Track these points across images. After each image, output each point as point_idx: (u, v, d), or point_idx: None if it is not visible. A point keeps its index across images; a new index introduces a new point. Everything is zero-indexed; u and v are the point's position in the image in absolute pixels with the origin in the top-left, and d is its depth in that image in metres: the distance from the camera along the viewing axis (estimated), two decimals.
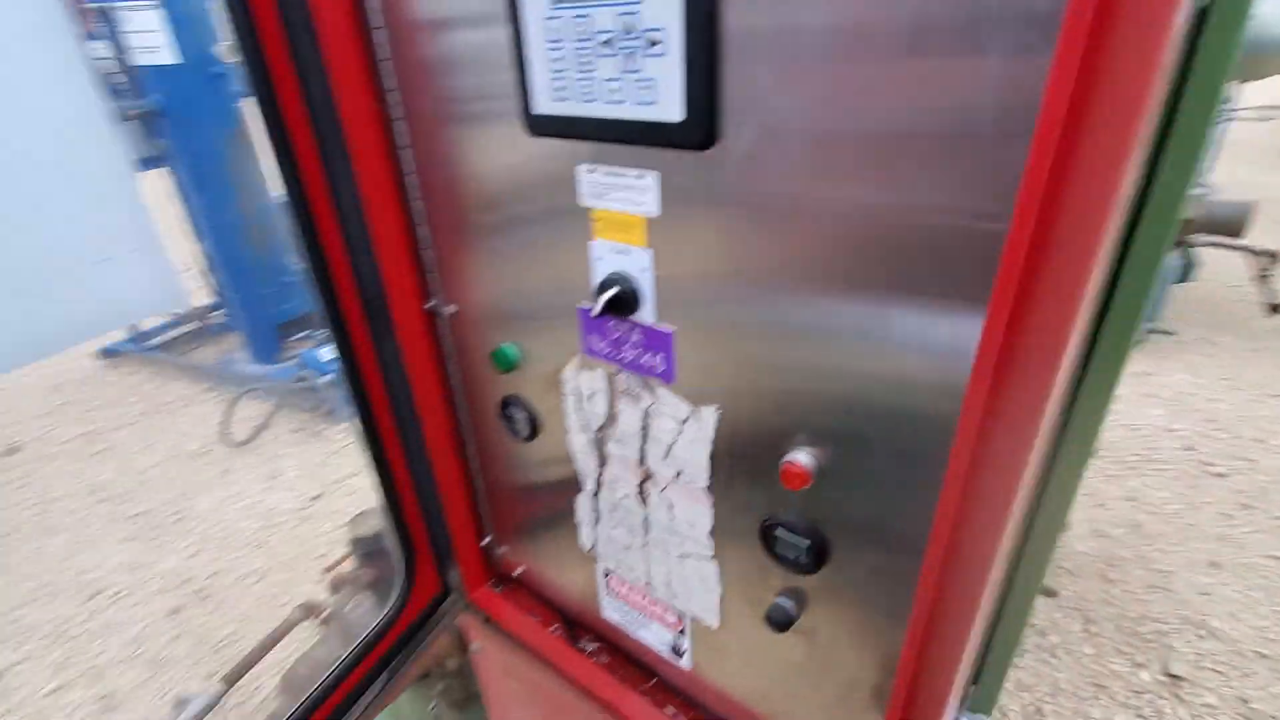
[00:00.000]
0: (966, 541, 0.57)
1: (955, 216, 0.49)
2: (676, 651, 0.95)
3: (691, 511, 0.79)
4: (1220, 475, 2.92)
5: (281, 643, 2.14)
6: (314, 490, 3.16)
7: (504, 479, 1.08)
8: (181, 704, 1.93)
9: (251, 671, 2.09)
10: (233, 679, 2.00)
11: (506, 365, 0.89)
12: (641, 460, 0.81)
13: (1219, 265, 4.62)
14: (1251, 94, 8.36)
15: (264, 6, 0.71)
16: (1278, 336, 3.92)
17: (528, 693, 1.25)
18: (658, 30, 0.55)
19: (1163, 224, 0.67)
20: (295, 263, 4.17)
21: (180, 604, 2.60)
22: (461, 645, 1.36)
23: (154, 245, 0.76)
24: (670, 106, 0.57)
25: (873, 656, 0.74)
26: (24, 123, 0.66)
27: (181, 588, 2.68)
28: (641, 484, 0.84)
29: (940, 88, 0.45)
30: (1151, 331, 3.83)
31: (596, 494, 0.91)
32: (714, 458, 0.73)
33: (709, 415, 0.71)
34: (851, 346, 0.58)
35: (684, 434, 0.74)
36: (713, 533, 0.79)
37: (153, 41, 3.23)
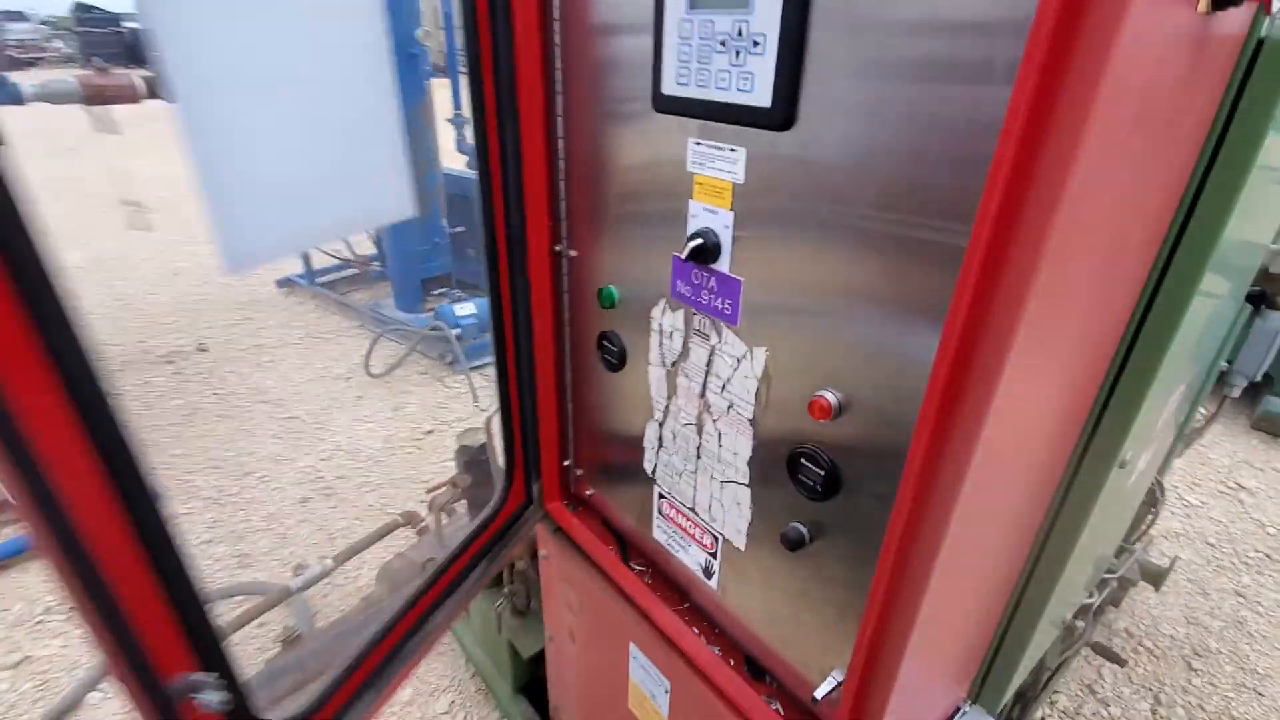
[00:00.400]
0: (929, 507, 0.68)
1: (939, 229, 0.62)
2: (707, 572, 1.10)
3: (736, 441, 0.94)
4: None
5: (383, 541, 2.48)
6: (428, 425, 3.55)
7: (590, 411, 1.27)
8: (300, 570, 2.30)
9: (357, 558, 2.44)
10: (341, 559, 2.35)
11: (609, 302, 1.08)
12: (703, 393, 0.97)
13: None
14: None
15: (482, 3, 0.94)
16: None
17: (580, 599, 1.43)
18: (761, 35, 0.71)
19: (1193, 263, 0.75)
20: (446, 227, 4.63)
21: (309, 495, 3.04)
22: (532, 552, 1.57)
23: (399, 164, 1.01)
24: (763, 94, 0.73)
25: (863, 591, 0.85)
26: (340, 60, 0.92)
27: (313, 483, 3.12)
28: (700, 415, 0.99)
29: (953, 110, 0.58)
30: None
31: (663, 422, 1.08)
32: (759, 393, 0.88)
33: (760, 355, 0.86)
34: (873, 307, 0.71)
35: (739, 370, 0.90)
36: (751, 461, 0.93)
37: None
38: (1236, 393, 1.44)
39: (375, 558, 2.47)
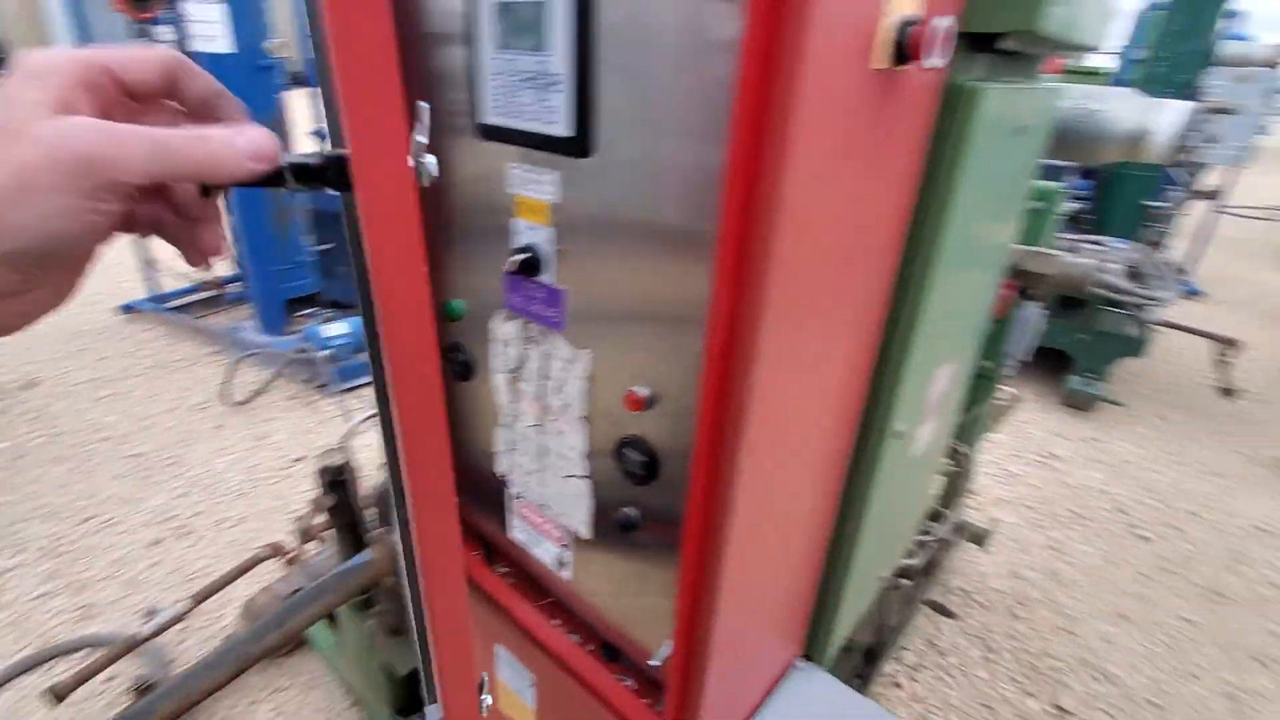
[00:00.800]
0: (718, 481, 0.79)
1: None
2: (561, 565, 1.17)
3: (574, 438, 1.02)
4: (1145, 539, 3.10)
5: (248, 576, 2.36)
6: (297, 453, 3.39)
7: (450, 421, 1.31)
8: (150, 614, 2.14)
9: (220, 597, 2.31)
10: (200, 598, 2.22)
11: (455, 315, 1.13)
12: (542, 396, 1.05)
13: (1187, 349, 4.83)
14: (1251, 192, 8.63)
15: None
16: (1229, 421, 4.11)
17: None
18: (559, 74, 0.80)
19: (920, 269, 0.91)
20: (309, 244, 4.44)
21: (162, 536, 2.82)
22: (396, 566, 1.58)
23: None
24: (566, 126, 0.82)
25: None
26: None
27: (166, 522, 2.90)
28: (541, 416, 1.07)
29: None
30: (1103, 400, 4.03)
31: (511, 426, 1.14)
32: (588, 392, 0.96)
33: (585, 356, 0.94)
34: (668, 309, 0.82)
35: (570, 372, 0.98)
36: (587, 455, 1.02)
37: (212, 31, 3.57)
38: (1010, 372, 1.70)
39: (240, 595, 2.34)
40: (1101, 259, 3.83)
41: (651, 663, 0.97)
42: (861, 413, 1.05)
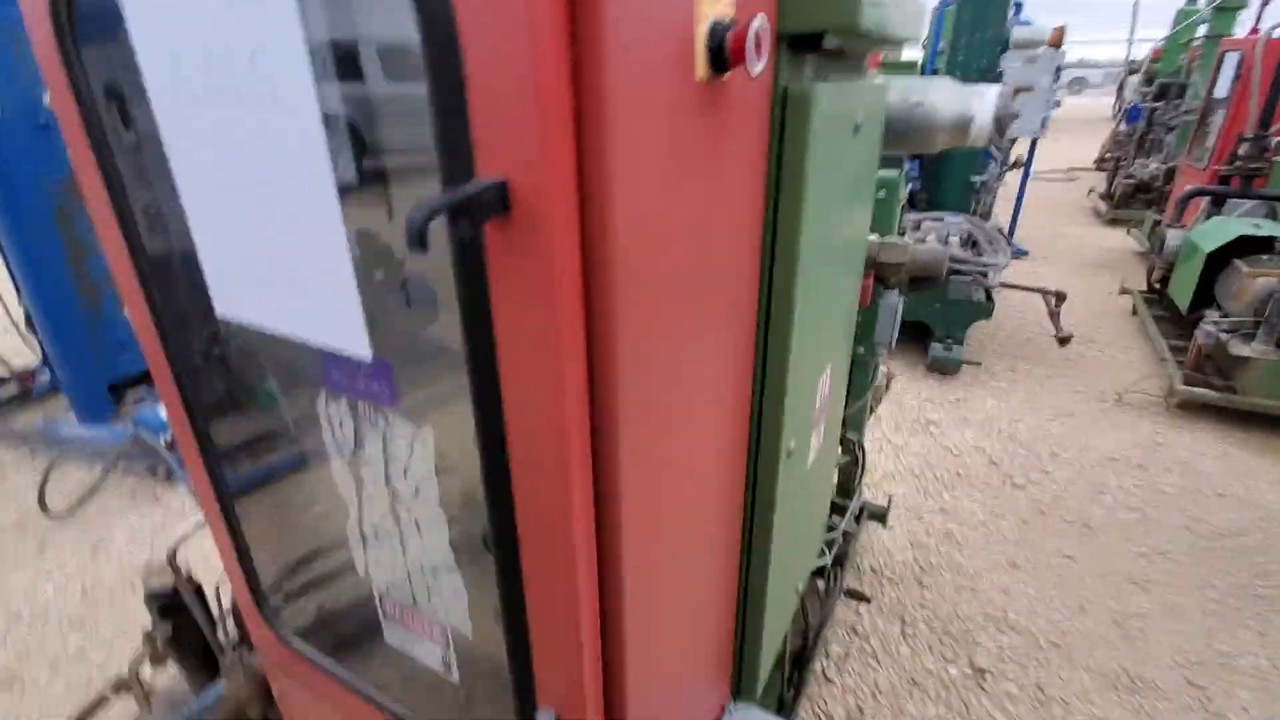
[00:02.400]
0: (603, 529, 0.69)
1: None
2: (447, 665, 1.02)
3: (433, 525, 0.88)
4: (1019, 486, 3.33)
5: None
6: (145, 557, 2.94)
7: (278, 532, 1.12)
8: None
9: None
10: None
11: (269, 402, 0.95)
12: (388, 480, 0.90)
13: (1024, 306, 5.32)
14: (1050, 158, 9.75)
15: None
16: (1068, 364, 4.55)
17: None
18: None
19: (785, 276, 0.85)
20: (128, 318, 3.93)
21: None
22: (266, 692, 1.35)
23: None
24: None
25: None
26: None
27: None
28: (393, 504, 0.92)
29: None
30: (963, 362, 4.34)
31: (360, 520, 0.98)
32: (439, 472, 0.83)
33: (427, 434, 0.81)
34: None
35: (414, 452, 0.84)
36: (453, 543, 0.88)
37: None
38: (882, 357, 1.73)
39: None
40: (942, 234, 4.12)
41: None
42: (751, 438, 0.98)
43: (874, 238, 1.48)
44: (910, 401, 4.15)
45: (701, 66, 0.60)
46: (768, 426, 0.97)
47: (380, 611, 1.06)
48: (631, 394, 0.62)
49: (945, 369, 4.43)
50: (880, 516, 2.78)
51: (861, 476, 2.30)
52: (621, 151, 0.51)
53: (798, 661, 2.03)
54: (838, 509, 2.26)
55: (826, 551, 1.77)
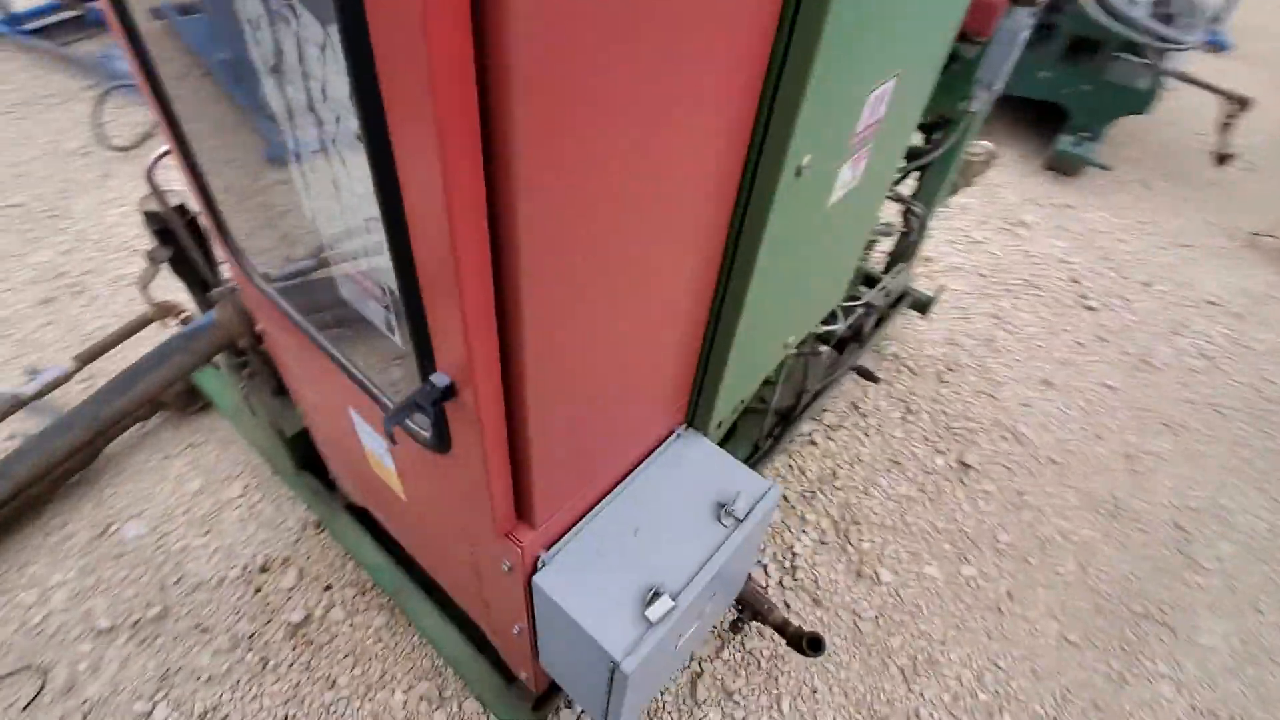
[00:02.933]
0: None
1: None
2: (390, 328, 0.99)
3: (360, 166, 0.76)
4: (1091, 309, 3.04)
5: (138, 338, 2.20)
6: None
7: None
8: (32, 374, 2.01)
9: (108, 357, 2.17)
10: (84, 360, 2.07)
11: None
12: (310, 104, 0.76)
13: (1192, 110, 4.40)
14: None
15: None
16: (1213, 189, 3.87)
17: (301, 367, 1.32)
18: None
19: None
20: None
21: (54, 295, 2.61)
22: (250, 326, 1.40)
23: None
24: None
25: None
26: None
27: (55, 280, 2.67)
28: (320, 135, 0.79)
29: None
30: (1089, 162, 3.72)
31: (299, 158, 0.87)
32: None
33: (335, 34, 0.64)
34: None
35: (326, 63, 0.68)
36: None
37: None
38: (975, 106, 1.40)
39: (129, 355, 2.20)
40: None
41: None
42: (753, 149, 0.78)
43: None
44: (1008, 197, 3.67)
45: None
46: (774, 133, 0.77)
47: (329, 264, 1.01)
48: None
49: (1066, 167, 3.82)
50: (922, 306, 2.60)
51: (915, 255, 2.08)
52: None
53: (784, 417, 2.04)
54: (870, 280, 2.08)
55: (841, 318, 1.64)
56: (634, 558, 1.04)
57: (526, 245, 0.61)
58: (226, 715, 1.62)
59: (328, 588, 1.84)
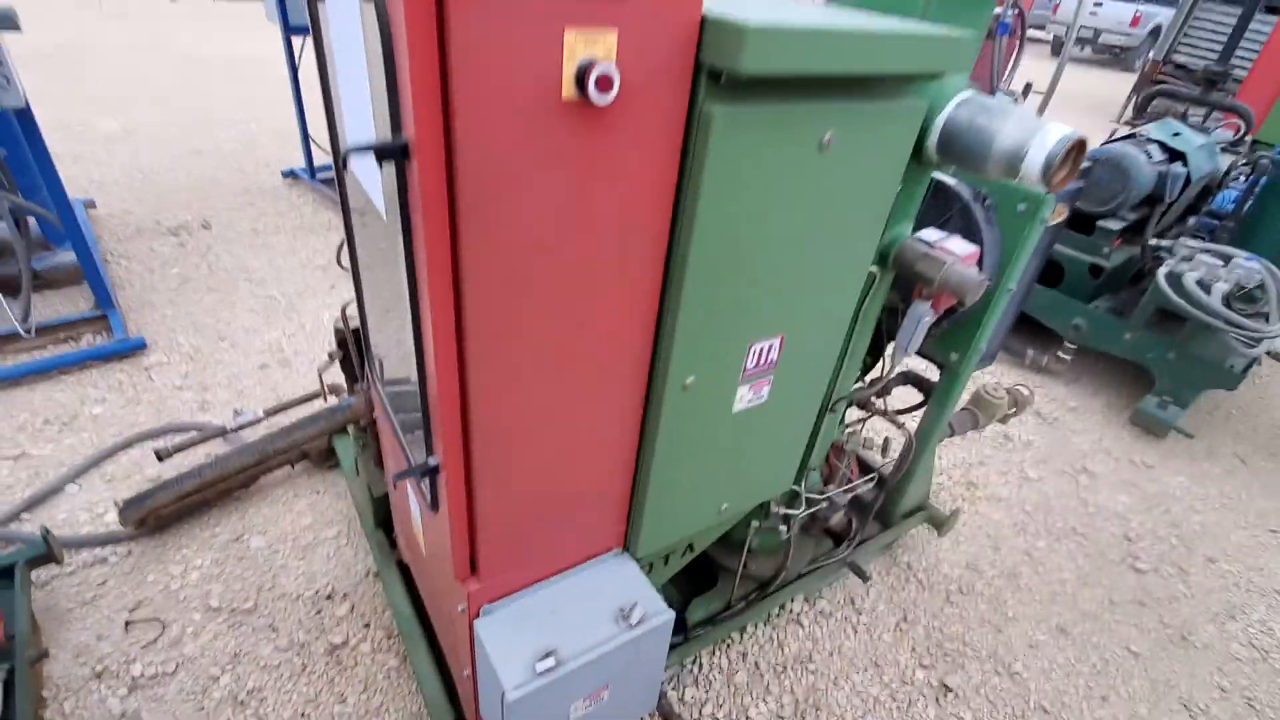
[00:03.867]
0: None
1: None
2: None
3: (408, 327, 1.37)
4: (1139, 570, 2.99)
5: (306, 405, 3.00)
6: None
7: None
8: (238, 414, 2.84)
9: (285, 415, 2.98)
10: (271, 412, 2.89)
11: None
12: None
13: None
14: None
15: None
16: None
17: (387, 440, 1.92)
18: None
19: (681, 255, 1.14)
20: None
21: (268, 363, 3.59)
22: (370, 411, 2.06)
23: None
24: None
25: None
26: None
27: (274, 353, 3.67)
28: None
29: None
30: (1173, 428, 3.72)
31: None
32: None
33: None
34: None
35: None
36: None
37: None
38: (898, 364, 1.81)
39: (298, 414, 3.01)
40: (1210, 277, 3.49)
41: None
42: (654, 366, 1.31)
43: (946, 247, 1.56)
44: (1080, 444, 3.75)
45: (569, 89, 0.90)
46: (661, 358, 1.28)
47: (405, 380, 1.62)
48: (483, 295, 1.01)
49: (1150, 427, 3.85)
50: (937, 523, 2.78)
51: (914, 474, 2.38)
52: (475, 132, 0.86)
53: (762, 586, 2.32)
54: (865, 468, 2.39)
55: (803, 505, 1.98)
56: (547, 628, 1.45)
57: (475, 396, 1.14)
58: (265, 698, 2.10)
59: (367, 625, 2.34)
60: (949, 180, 1.91)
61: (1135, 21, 15.82)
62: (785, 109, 1.08)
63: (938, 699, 2.37)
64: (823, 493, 2.07)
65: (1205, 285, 3.50)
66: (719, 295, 1.24)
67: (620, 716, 1.67)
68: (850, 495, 2.11)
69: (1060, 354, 4.16)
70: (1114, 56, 17.34)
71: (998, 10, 4.04)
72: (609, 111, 0.96)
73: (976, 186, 1.92)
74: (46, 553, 2.20)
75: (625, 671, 1.52)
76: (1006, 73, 4.54)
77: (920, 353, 2.55)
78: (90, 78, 7.93)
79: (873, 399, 2.42)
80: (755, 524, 2.02)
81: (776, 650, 2.44)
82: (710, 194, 1.09)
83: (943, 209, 1.93)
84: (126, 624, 2.26)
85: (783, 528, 2.01)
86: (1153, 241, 3.96)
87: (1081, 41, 16.72)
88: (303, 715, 2.07)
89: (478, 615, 1.47)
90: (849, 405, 2.38)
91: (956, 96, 1.32)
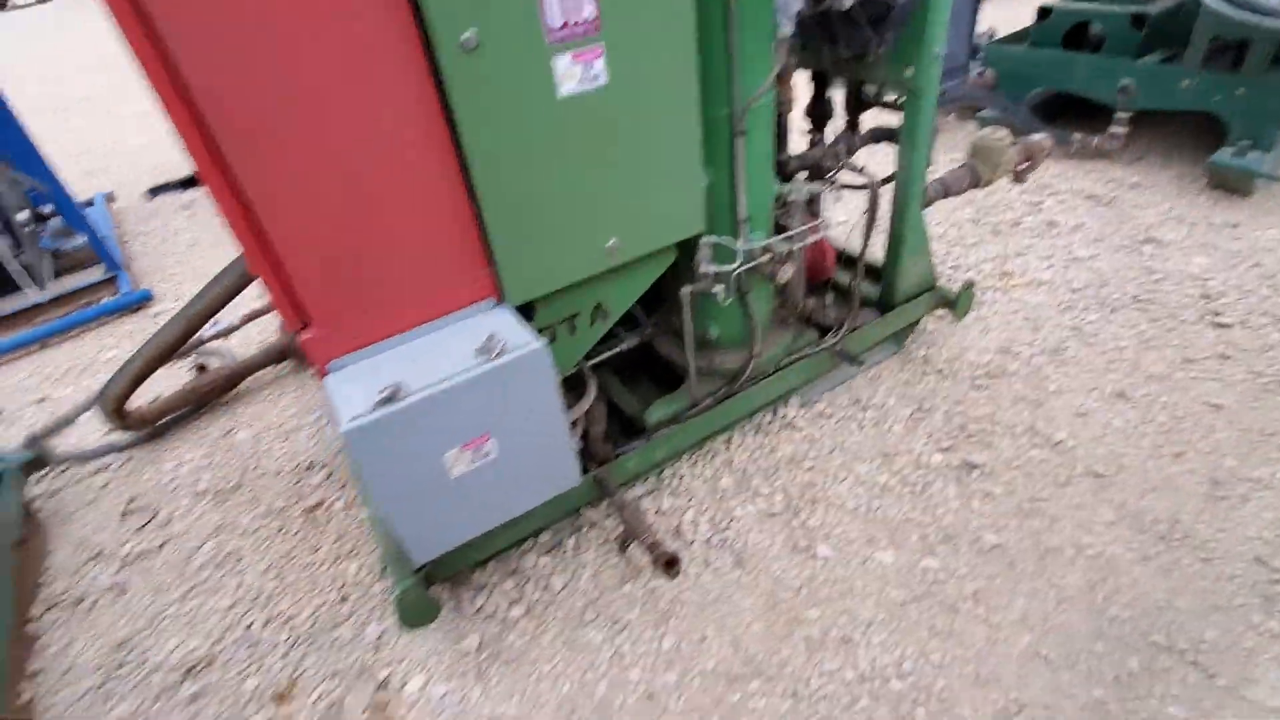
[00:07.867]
0: None
1: None
2: None
3: None
4: (1222, 325, 2.50)
5: None
6: None
7: None
8: (214, 323, 2.85)
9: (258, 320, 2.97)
10: (247, 318, 2.89)
11: None
12: None
13: None
14: None
15: None
16: None
17: None
18: None
19: None
20: None
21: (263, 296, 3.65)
22: None
23: None
24: None
25: None
26: None
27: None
28: None
29: None
30: (1257, 175, 3.10)
31: None
32: None
33: None
34: None
35: None
36: None
37: None
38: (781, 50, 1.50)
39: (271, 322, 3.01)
40: None
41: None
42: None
43: None
44: (1145, 217, 3.19)
45: None
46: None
47: None
48: None
49: (1232, 183, 3.21)
50: (949, 303, 2.42)
51: (870, 228, 2.06)
52: None
53: (733, 378, 2.07)
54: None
55: (740, 258, 1.72)
56: (399, 374, 1.30)
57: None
58: (242, 557, 2.11)
59: (343, 486, 2.31)
60: None
61: None
62: None
63: (959, 478, 2.06)
64: (766, 249, 1.80)
65: None
66: None
67: (531, 484, 1.51)
68: (795, 245, 1.82)
69: (1113, 130, 3.55)
70: None
71: None
72: None
73: None
74: (37, 458, 2.30)
75: (503, 415, 1.35)
76: None
77: (877, 99, 2.19)
78: (126, 112, 8.48)
79: (825, 161, 2.11)
80: (687, 288, 1.78)
81: (768, 455, 2.20)
82: None
83: None
84: (122, 514, 2.33)
85: (719, 289, 1.77)
86: None
87: None
88: (275, 568, 2.06)
89: (327, 372, 1.35)
90: (799, 169, 2.08)
91: None
